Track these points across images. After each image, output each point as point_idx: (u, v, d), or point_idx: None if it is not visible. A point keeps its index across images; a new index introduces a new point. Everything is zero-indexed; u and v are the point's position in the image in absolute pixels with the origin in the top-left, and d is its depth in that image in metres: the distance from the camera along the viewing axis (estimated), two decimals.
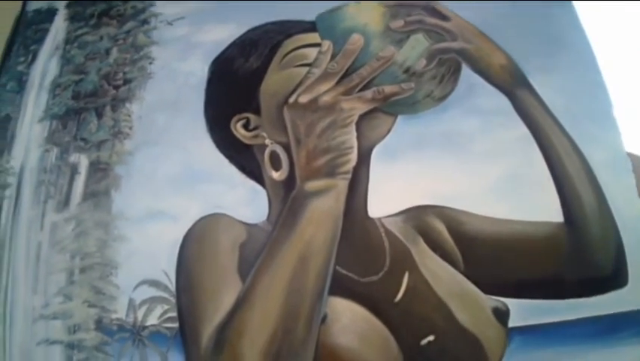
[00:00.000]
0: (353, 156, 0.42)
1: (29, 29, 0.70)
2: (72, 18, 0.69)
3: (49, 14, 0.70)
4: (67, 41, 0.67)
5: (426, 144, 0.52)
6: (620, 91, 0.55)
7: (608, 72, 0.55)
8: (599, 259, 0.47)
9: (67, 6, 0.70)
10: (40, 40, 0.68)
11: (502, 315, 0.46)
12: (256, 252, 0.42)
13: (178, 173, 0.55)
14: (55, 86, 0.64)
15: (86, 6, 0.69)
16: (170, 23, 0.65)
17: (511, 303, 0.47)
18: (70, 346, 0.51)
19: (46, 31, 0.69)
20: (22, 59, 0.68)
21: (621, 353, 0.46)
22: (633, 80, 0.58)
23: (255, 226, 0.48)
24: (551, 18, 0.58)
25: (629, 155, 0.52)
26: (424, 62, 0.44)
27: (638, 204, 0.49)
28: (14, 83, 0.66)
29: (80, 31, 0.67)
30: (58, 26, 0.69)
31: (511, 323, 0.46)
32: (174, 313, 0.49)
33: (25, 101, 0.65)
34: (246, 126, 0.49)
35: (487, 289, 0.47)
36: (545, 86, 0.49)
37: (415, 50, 0.44)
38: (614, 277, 0.47)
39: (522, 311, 0.46)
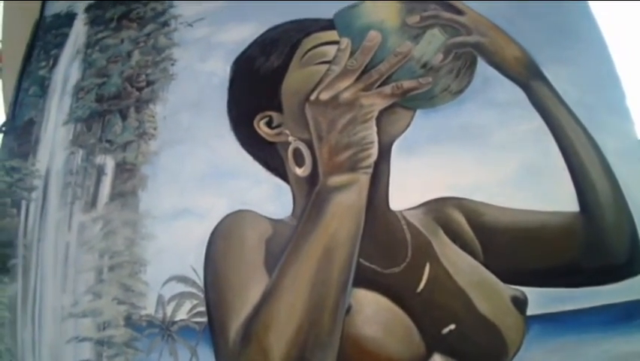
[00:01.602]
0: (374, 151, 0.43)
1: (49, 34, 0.70)
2: (92, 22, 0.69)
3: (68, 18, 0.70)
4: (88, 45, 0.68)
5: (444, 137, 0.53)
6: (633, 81, 0.55)
7: (620, 62, 0.55)
8: (614, 247, 0.48)
9: (87, 10, 0.71)
10: (60, 45, 0.69)
11: (520, 304, 0.47)
12: (282, 246, 0.43)
13: (203, 171, 0.56)
14: (78, 90, 0.65)
15: (106, 9, 0.70)
16: (190, 24, 0.65)
17: (529, 292, 0.47)
18: (100, 343, 0.53)
19: (65, 35, 0.70)
20: (43, 63, 0.69)
21: (637, 340, 0.46)
22: None
23: (280, 221, 0.49)
24: (564, 10, 0.58)
25: None
26: (440, 56, 0.45)
27: None
28: (37, 88, 0.67)
29: (100, 35, 0.68)
30: (79, 30, 0.69)
31: (529, 312, 0.47)
32: (203, 308, 0.50)
33: (49, 105, 0.66)
34: (269, 124, 0.50)
35: (506, 278, 0.48)
36: (559, 77, 0.49)
37: (432, 44, 0.45)
38: (629, 265, 0.47)
39: (540, 300, 0.47)
